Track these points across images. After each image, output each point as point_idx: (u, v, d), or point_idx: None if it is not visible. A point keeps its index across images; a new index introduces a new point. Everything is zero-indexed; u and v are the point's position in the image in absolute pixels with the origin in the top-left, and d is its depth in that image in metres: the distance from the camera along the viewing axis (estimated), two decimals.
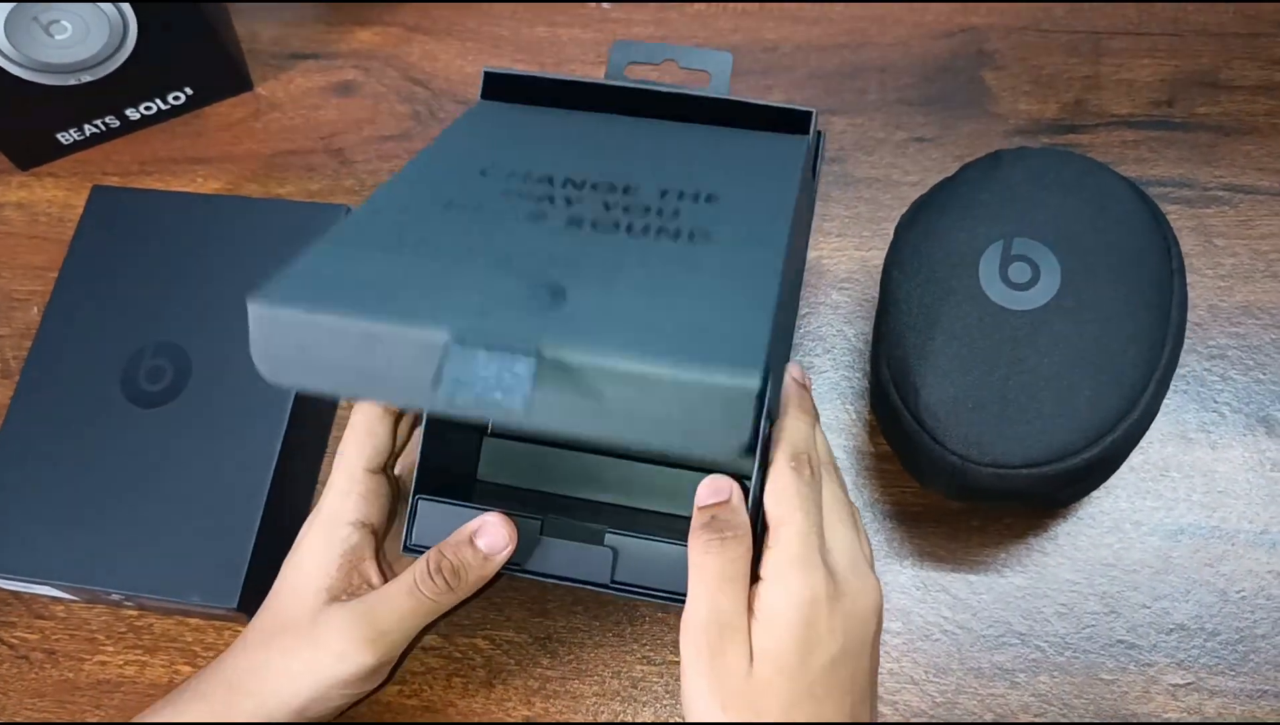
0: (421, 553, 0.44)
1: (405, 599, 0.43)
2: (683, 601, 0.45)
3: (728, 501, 0.40)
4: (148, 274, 0.55)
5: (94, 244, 0.57)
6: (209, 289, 0.55)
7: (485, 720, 0.50)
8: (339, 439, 0.55)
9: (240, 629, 0.53)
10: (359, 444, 0.46)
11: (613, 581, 0.43)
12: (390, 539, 0.47)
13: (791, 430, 0.42)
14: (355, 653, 0.43)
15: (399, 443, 0.48)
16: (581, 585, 0.44)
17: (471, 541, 0.43)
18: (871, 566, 0.42)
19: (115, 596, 0.50)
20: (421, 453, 0.45)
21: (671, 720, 0.50)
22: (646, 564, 0.44)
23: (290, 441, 0.51)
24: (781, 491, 0.40)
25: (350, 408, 0.47)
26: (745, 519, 0.41)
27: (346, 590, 0.44)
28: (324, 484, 0.55)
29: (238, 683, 0.44)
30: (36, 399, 0.53)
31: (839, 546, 0.41)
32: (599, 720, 0.50)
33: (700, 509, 0.41)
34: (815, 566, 0.39)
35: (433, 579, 0.43)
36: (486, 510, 0.44)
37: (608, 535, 0.44)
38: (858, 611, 0.40)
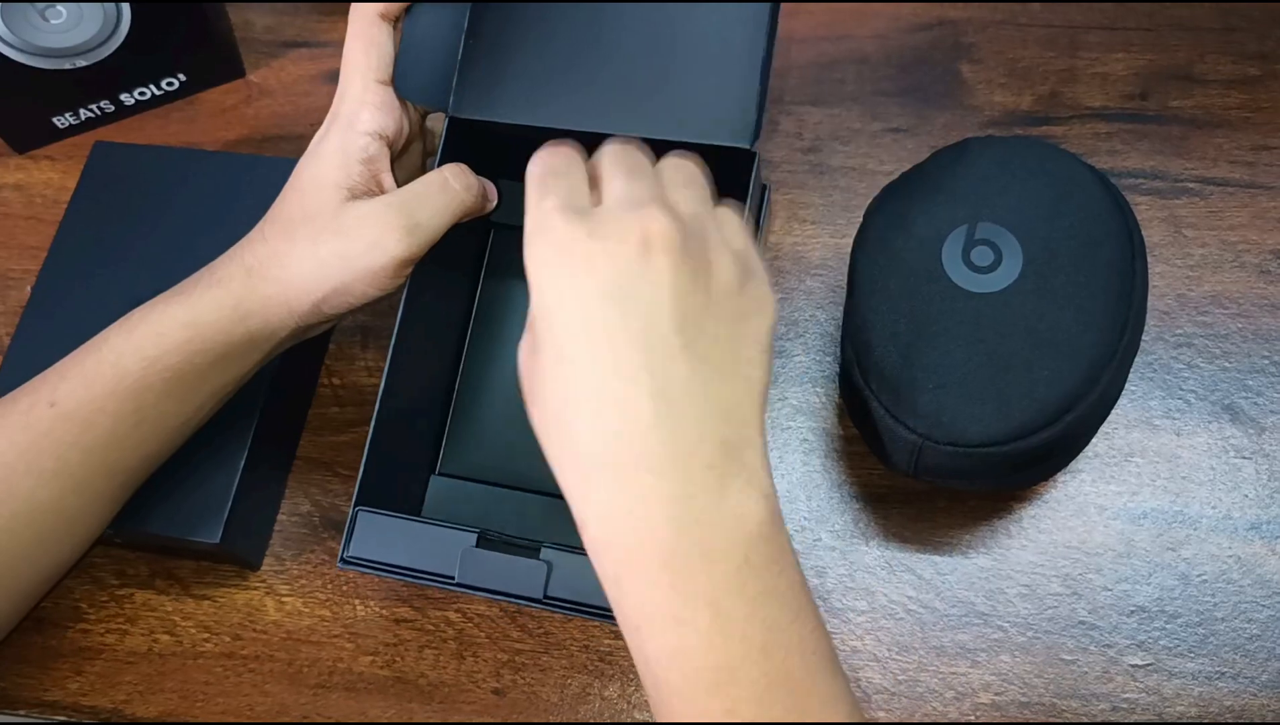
0: (359, 567, 0.46)
1: (439, 193, 0.46)
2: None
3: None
4: (146, 224, 0.57)
5: (94, 196, 0.59)
6: (204, 240, 0.56)
7: (456, 691, 0.51)
8: (327, 384, 0.58)
9: (223, 570, 0.54)
10: (364, 53, 0.46)
11: (545, 596, 0.44)
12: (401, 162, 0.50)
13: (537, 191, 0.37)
14: (390, 242, 0.44)
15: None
16: (515, 601, 0.45)
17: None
18: (659, 203, 0.35)
19: (106, 530, 0.51)
20: (363, 477, 0.46)
21: (637, 693, 0.51)
22: (582, 579, 0.45)
23: (278, 384, 0.53)
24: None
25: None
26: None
27: (367, 193, 0.46)
28: (310, 427, 0.57)
29: (258, 268, 0.45)
30: (35, 343, 0.55)
31: (611, 192, 0.37)
32: (567, 692, 0.51)
33: None
34: (552, 225, 0.35)
35: (464, 175, 0.46)
36: (429, 523, 0.46)
37: (544, 549, 0.45)
38: (626, 241, 0.34)
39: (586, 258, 0.34)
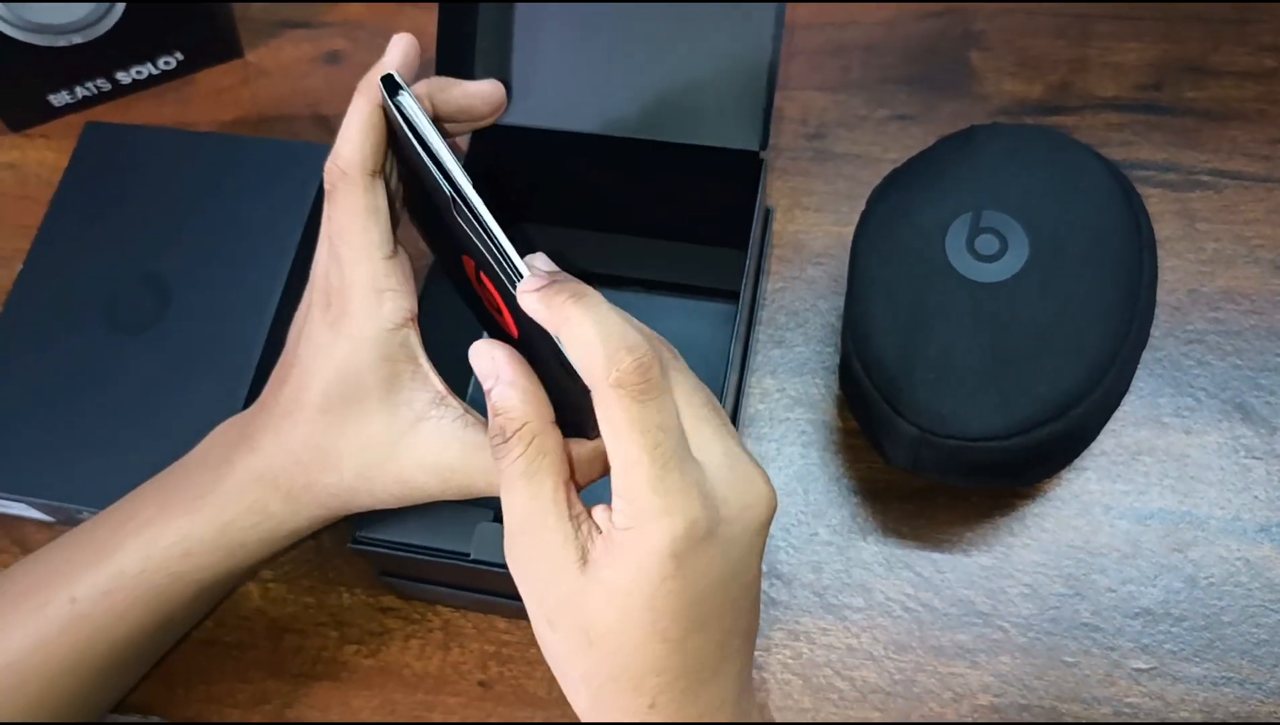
0: (370, 547, 0.45)
1: (487, 458, 0.38)
2: None
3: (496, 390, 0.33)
4: (136, 205, 0.56)
5: (84, 177, 0.58)
6: (195, 221, 0.56)
7: (441, 683, 0.50)
8: None
9: None
10: (364, 227, 0.38)
11: None
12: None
13: (589, 326, 0.31)
14: (423, 479, 0.40)
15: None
16: None
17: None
18: (753, 462, 0.33)
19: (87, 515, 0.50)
20: None
21: None
22: None
23: (265, 368, 0.52)
24: (610, 421, 0.31)
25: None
26: (527, 407, 0.34)
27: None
28: None
29: (308, 460, 0.40)
30: (21, 322, 0.54)
31: (708, 457, 0.32)
32: (554, 685, 0.50)
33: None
34: (674, 509, 0.30)
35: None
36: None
37: None
38: (742, 533, 0.32)
39: (712, 557, 0.32)
